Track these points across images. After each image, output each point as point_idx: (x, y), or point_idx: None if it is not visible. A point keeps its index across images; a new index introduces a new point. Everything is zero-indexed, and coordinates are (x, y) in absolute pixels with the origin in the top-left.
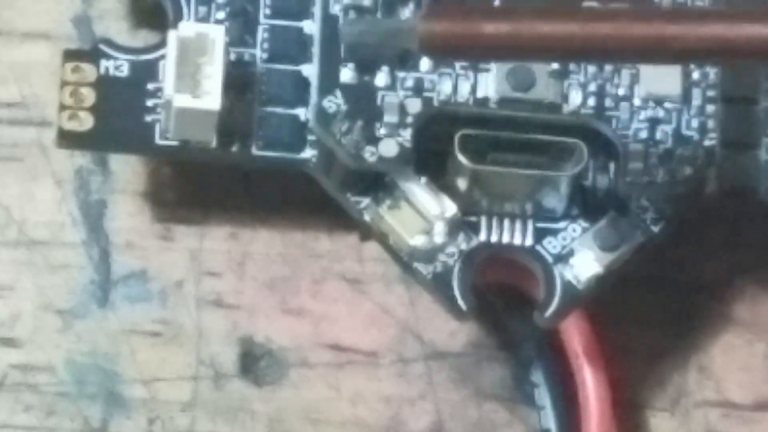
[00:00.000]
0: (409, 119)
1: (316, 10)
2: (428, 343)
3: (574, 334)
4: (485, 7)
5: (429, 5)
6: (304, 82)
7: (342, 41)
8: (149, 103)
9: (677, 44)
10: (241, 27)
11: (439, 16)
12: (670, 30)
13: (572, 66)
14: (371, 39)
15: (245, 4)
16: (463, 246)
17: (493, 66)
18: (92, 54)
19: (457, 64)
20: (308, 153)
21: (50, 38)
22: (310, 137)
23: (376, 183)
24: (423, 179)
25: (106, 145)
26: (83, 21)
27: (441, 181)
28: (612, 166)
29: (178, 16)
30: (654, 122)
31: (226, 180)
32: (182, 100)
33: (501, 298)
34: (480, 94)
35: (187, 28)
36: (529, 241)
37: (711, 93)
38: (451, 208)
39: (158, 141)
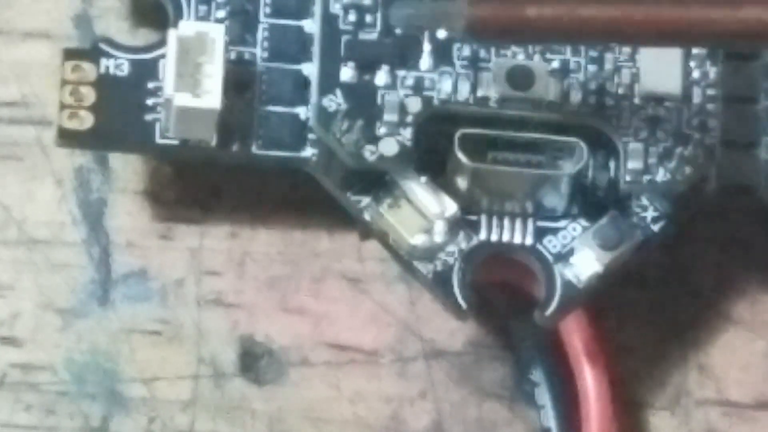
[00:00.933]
0: (410, 118)
1: (316, 8)
2: (428, 341)
3: (575, 333)
4: None
5: None
6: (304, 81)
7: (390, 23)
8: (149, 102)
9: (717, 27)
10: (241, 26)
11: None
12: (710, 13)
13: (572, 65)
14: (418, 22)
15: (245, 3)
16: (463, 245)
17: (493, 65)
18: (92, 53)
19: (458, 63)
20: (308, 152)
21: (50, 37)
22: (310, 136)
23: (376, 182)
24: (423, 178)
25: (106, 144)
26: (83, 20)
27: (441, 180)
28: (612, 164)
29: (178, 15)
30: (654, 121)
31: (226, 179)
32: (182, 99)
33: (501, 297)
34: (480, 93)
35: (187, 27)
36: (529, 240)
37: (711, 92)
38: (451, 207)
39: (158, 140)
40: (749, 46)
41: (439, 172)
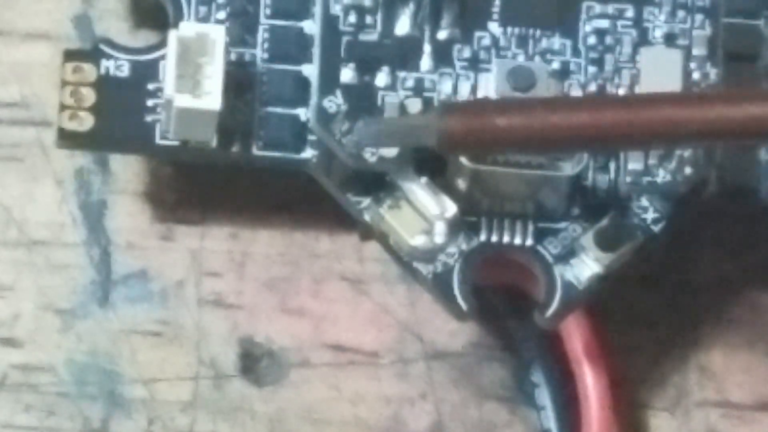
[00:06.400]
0: None
1: (317, 10)
2: (428, 343)
3: (575, 335)
4: (500, 102)
5: (444, 102)
6: (305, 82)
7: (359, 143)
8: (150, 103)
9: (687, 128)
10: (242, 27)
11: (455, 112)
12: (678, 114)
13: (572, 66)
14: (388, 140)
15: (246, 4)
16: (464, 246)
17: (494, 66)
18: (93, 54)
19: (458, 64)
20: (308, 153)
21: (51, 38)
22: (311, 137)
23: (377, 183)
24: (423, 179)
25: (106, 145)
26: (83, 21)
27: (441, 181)
28: (612, 166)
29: (179, 16)
30: None
31: (226, 180)
32: (183, 100)
33: (501, 298)
34: (480, 93)
35: (188, 28)
36: (529, 242)
37: None
38: (451, 208)
39: (158, 141)
40: (721, 144)
41: (439, 174)
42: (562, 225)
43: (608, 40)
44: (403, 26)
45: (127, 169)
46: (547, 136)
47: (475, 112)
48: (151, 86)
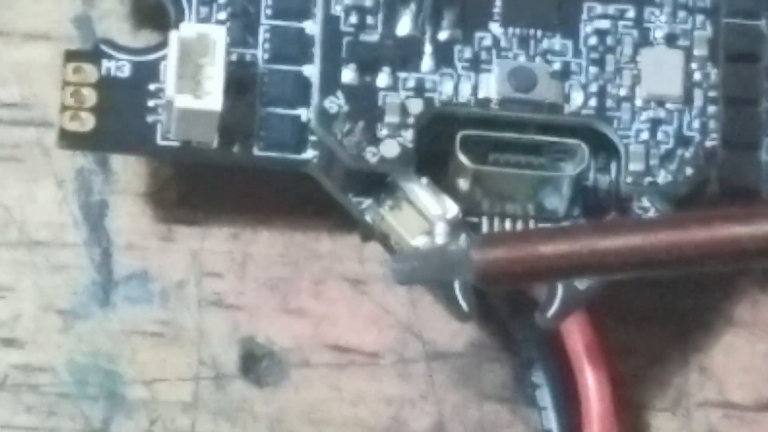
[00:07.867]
0: (411, 120)
1: (318, 10)
2: (429, 343)
3: (576, 335)
4: (539, 231)
5: (480, 235)
6: (306, 83)
7: (393, 279)
8: (150, 103)
9: (743, 246)
10: (243, 27)
11: (492, 243)
12: (732, 232)
13: (573, 66)
14: (423, 275)
15: (246, 4)
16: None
17: (495, 66)
18: (93, 54)
19: (459, 64)
20: (309, 154)
21: (51, 39)
22: (312, 138)
23: (378, 183)
24: (424, 180)
25: (107, 145)
26: (84, 21)
27: (442, 182)
28: (613, 166)
29: (180, 17)
30: (655, 123)
31: (227, 181)
32: (183, 101)
33: (502, 298)
34: (481, 94)
35: (189, 28)
36: None
37: (712, 94)
38: (452, 208)
39: (159, 141)
40: None
41: (440, 174)
42: (563, 225)
43: (609, 40)
44: (404, 27)
45: (128, 170)
46: (596, 263)
47: (516, 241)
48: (152, 87)
